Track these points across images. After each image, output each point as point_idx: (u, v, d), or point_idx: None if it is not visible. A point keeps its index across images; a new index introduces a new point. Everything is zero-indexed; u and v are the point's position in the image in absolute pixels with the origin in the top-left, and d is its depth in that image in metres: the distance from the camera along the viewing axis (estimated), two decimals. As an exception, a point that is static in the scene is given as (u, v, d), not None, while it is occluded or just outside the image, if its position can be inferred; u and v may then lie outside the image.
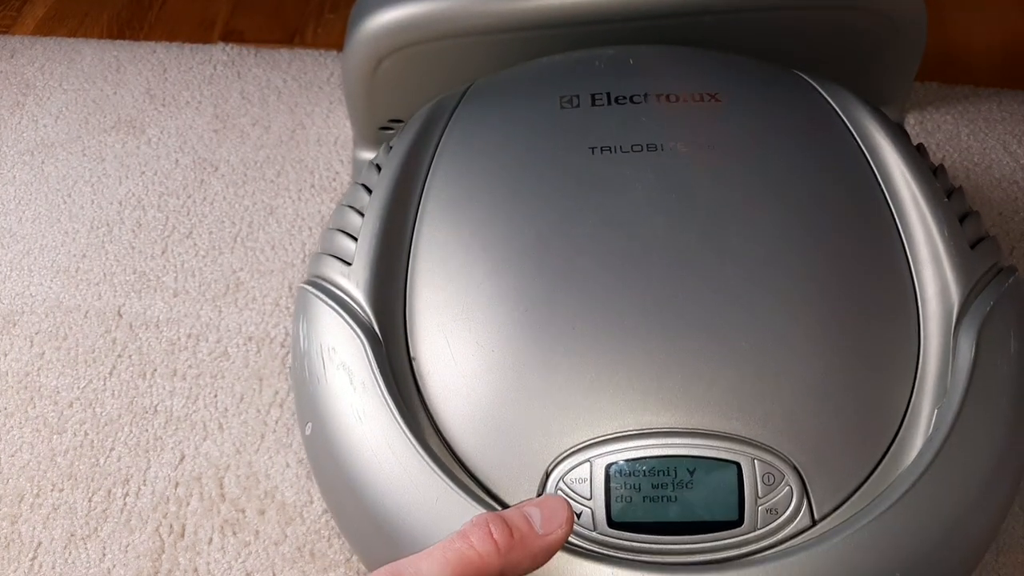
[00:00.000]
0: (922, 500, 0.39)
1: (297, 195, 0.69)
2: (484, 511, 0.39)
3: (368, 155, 0.69)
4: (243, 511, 0.55)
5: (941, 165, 0.53)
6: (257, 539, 0.54)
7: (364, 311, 0.45)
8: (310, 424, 0.45)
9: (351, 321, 0.44)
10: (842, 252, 0.46)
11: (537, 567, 0.35)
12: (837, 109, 0.54)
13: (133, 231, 0.68)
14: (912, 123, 0.73)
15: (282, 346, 0.62)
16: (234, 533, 0.54)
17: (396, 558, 0.39)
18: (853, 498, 0.40)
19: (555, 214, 0.48)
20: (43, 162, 0.72)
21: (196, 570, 0.53)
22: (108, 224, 0.68)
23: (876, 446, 0.41)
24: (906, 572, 0.38)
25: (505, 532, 0.34)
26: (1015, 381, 0.43)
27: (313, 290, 0.47)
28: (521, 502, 0.38)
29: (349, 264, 0.46)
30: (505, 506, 0.41)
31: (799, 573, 0.38)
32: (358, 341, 0.44)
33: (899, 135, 0.52)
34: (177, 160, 0.72)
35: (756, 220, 0.47)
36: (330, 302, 0.45)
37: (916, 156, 0.51)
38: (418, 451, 0.41)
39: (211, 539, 0.54)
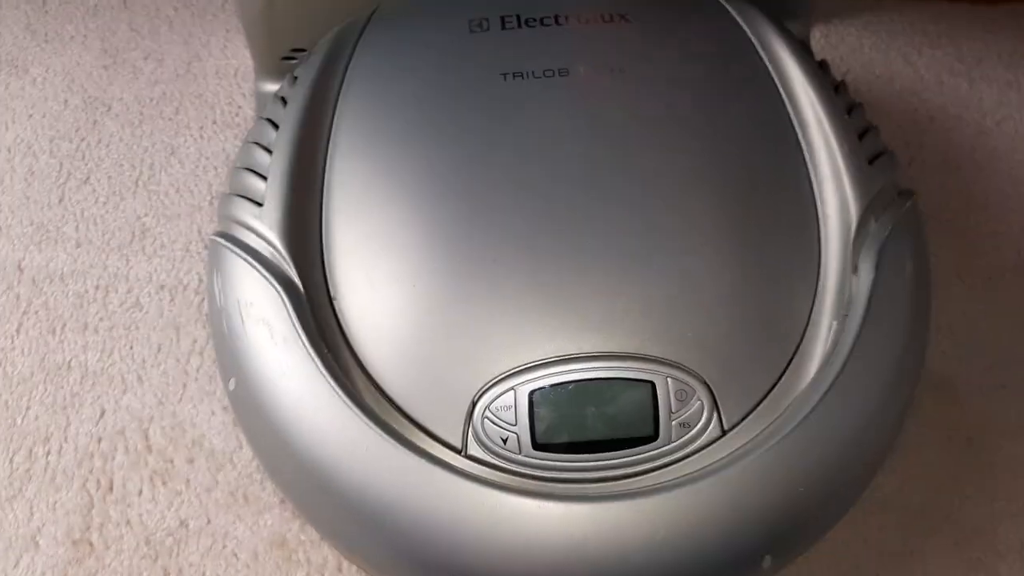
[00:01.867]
0: (824, 420, 0.43)
1: (199, 133, 0.69)
2: (412, 455, 0.42)
3: (271, 87, 0.68)
4: (171, 461, 0.57)
5: (843, 81, 0.56)
6: (188, 487, 0.56)
7: (279, 255, 0.46)
8: (233, 379, 0.46)
9: (267, 273, 0.45)
10: (747, 171, 0.50)
11: None
12: (745, 28, 0.56)
13: (26, 180, 0.66)
14: (817, 36, 0.76)
15: (196, 293, 0.62)
16: (164, 483, 0.56)
17: (331, 509, 0.42)
18: (759, 409, 0.44)
19: (469, 143, 0.50)
20: (-84, 109, 0.69)
21: (129, 522, 0.55)
22: (-3, 173, 0.66)
23: (780, 358, 0.45)
24: (810, 485, 0.43)
25: None
26: (911, 301, 0.47)
27: (225, 242, 0.48)
28: None
29: (260, 205, 0.47)
30: (434, 437, 0.44)
31: (716, 497, 0.41)
32: (275, 293, 0.45)
33: (803, 53, 0.55)
34: (66, 101, 0.70)
35: (664, 142, 0.50)
36: (243, 254, 0.46)
37: (819, 73, 0.54)
38: (345, 403, 0.43)
39: (141, 491, 0.56)
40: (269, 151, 0.49)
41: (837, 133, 0.49)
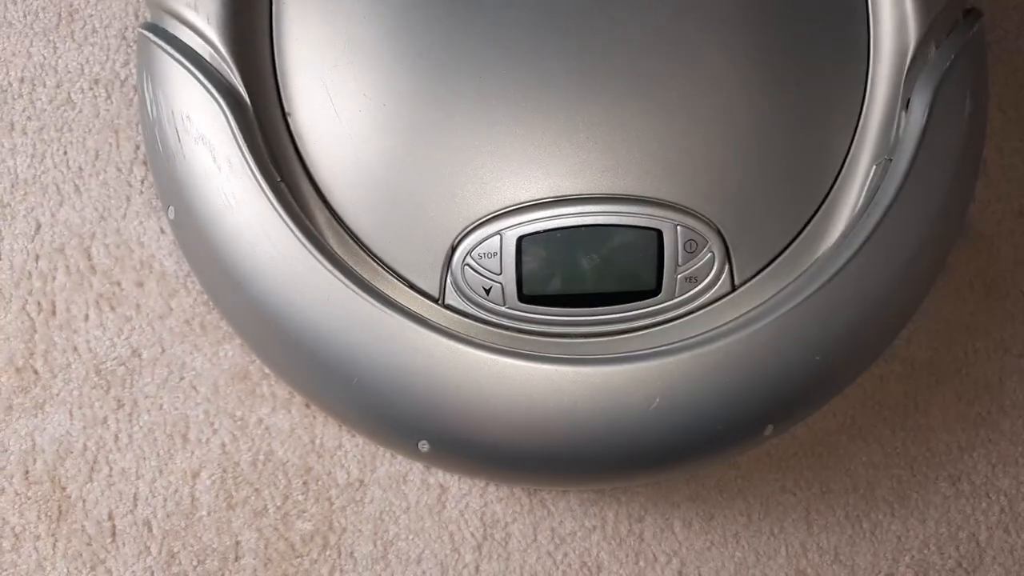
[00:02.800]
0: (848, 286, 0.38)
1: None
2: (381, 307, 0.37)
3: None
4: (118, 283, 0.52)
5: None
6: (139, 313, 0.52)
7: (220, 57, 0.39)
8: (172, 207, 0.41)
9: (205, 80, 0.38)
10: None
11: None
12: None
13: (-78, -57, 0.56)
14: None
15: (136, 90, 0.54)
16: (112, 308, 0.52)
17: (292, 360, 0.37)
18: (776, 263, 0.40)
19: None
20: None
21: (76, 349, 0.51)
22: None
23: (805, 207, 0.40)
24: (823, 355, 0.39)
25: None
26: (965, 151, 0.41)
27: (155, 37, 0.40)
28: None
29: None
30: (409, 285, 0.39)
31: (721, 363, 0.38)
32: (216, 106, 0.38)
33: None
34: None
35: None
36: (177, 55, 0.39)
37: None
38: (301, 242, 0.38)
39: (87, 315, 0.52)
40: None
41: None
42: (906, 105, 0.40)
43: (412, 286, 0.39)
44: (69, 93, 0.55)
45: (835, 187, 0.40)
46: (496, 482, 0.43)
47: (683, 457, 0.39)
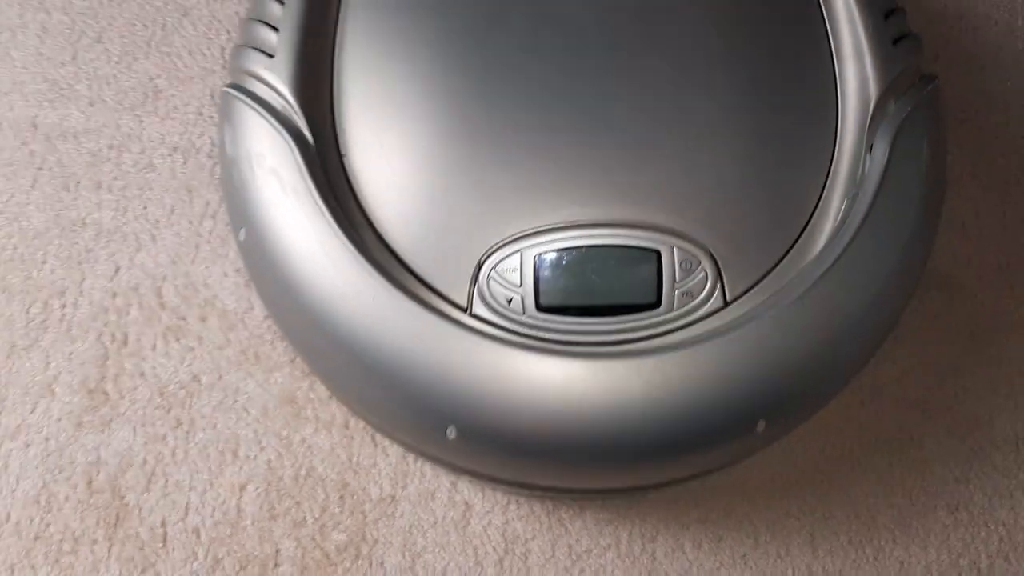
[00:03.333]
0: (827, 293, 0.44)
1: (214, -5, 0.68)
2: (420, 307, 0.43)
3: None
4: (184, 318, 0.59)
5: None
6: (201, 344, 0.58)
7: (290, 107, 0.47)
8: (243, 229, 0.48)
9: (277, 124, 0.47)
10: (766, 47, 0.50)
11: None
12: None
13: (39, 36, 0.66)
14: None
15: (209, 156, 0.63)
16: (177, 339, 0.58)
17: (338, 359, 0.43)
18: (763, 282, 0.46)
19: (486, 5, 0.50)
20: (-73, -41, 0.69)
21: (143, 374, 0.58)
22: (11, 29, 0.66)
23: (787, 234, 0.47)
24: (807, 356, 0.44)
25: None
26: (924, 183, 0.48)
27: (236, 93, 0.49)
28: None
29: (271, 56, 0.48)
30: (440, 296, 0.46)
31: (709, 360, 0.43)
32: (286, 144, 0.46)
33: None
34: (78, -44, 0.69)
35: (683, 15, 0.50)
36: (255, 105, 0.47)
37: None
38: (352, 251, 0.45)
39: (155, 345, 0.58)
40: (282, 2, 0.50)
41: (862, 10, 0.49)
42: (870, 149, 0.47)
43: (444, 297, 0.46)
44: (151, 158, 0.63)
45: (813, 217, 0.47)
46: (513, 473, 0.47)
47: (682, 446, 0.43)
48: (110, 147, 0.64)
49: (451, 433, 0.43)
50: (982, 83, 0.67)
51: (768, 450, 0.56)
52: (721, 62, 0.49)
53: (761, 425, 0.44)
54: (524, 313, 0.45)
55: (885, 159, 0.46)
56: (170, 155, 0.63)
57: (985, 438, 0.56)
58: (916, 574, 0.54)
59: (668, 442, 0.43)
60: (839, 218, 0.46)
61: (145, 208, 0.62)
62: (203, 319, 0.59)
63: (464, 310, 0.46)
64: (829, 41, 0.49)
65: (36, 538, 0.55)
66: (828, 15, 0.50)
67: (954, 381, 0.58)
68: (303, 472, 0.56)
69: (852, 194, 0.46)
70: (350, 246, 0.44)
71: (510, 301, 0.45)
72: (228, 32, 0.67)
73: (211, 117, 0.65)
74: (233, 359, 0.58)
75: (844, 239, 0.44)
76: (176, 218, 0.62)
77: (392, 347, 0.44)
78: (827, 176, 0.47)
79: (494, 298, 0.45)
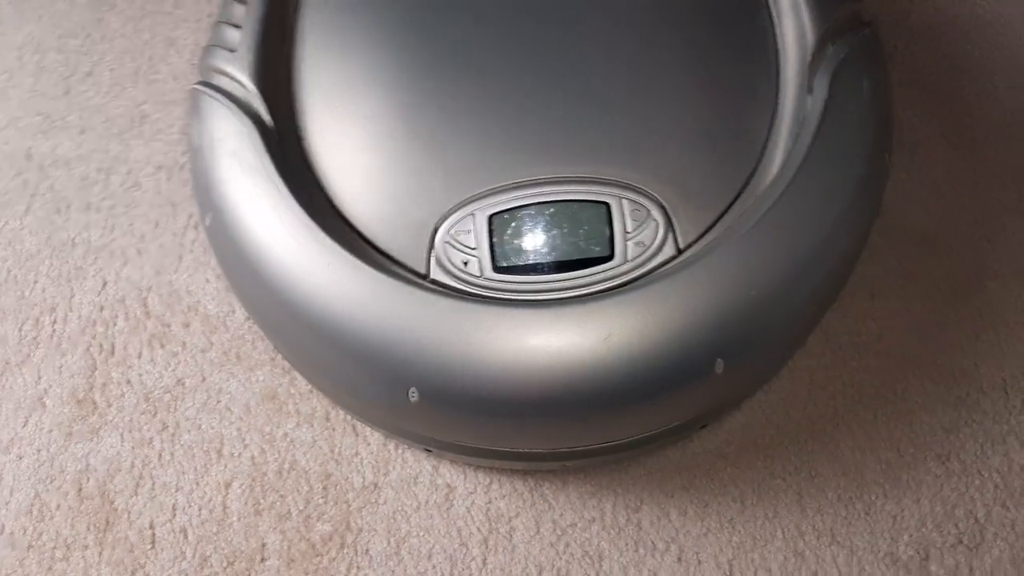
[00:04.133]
0: (775, 226, 0.45)
1: (196, 25, 0.71)
2: (378, 273, 0.44)
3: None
4: (168, 326, 0.60)
5: None
6: (184, 349, 0.59)
7: (250, 94, 0.49)
8: (209, 215, 0.49)
9: (237, 110, 0.48)
10: (704, 4, 0.51)
11: None
12: None
13: (34, 75, 0.70)
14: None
15: (191, 172, 0.65)
16: (162, 346, 0.60)
17: (301, 331, 0.43)
18: (714, 228, 0.46)
19: None
20: (-71, 15, 0.73)
21: (129, 382, 0.59)
22: (8, 71, 0.70)
23: (736, 179, 0.47)
24: (760, 289, 0.44)
25: None
26: (866, 121, 0.48)
27: (202, 88, 0.51)
28: None
29: (234, 52, 0.50)
30: (399, 264, 0.46)
31: (662, 299, 0.43)
32: (244, 128, 0.48)
33: None
34: (73, 0, 0.73)
35: None
36: (217, 96, 0.49)
37: None
38: (308, 223, 0.46)
39: (140, 353, 0.59)
40: (244, 2, 0.52)
41: None
42: (810, 90, 0.48)
43: (403, 265, 0.46)
44: (137, 178, 0.66)
45: (760, 161, 0.47)
46: (479, 435, 0.47)
47: (646, 389, 0.43)
48: (99, 171, 0.66)
49: (413, 395, 0.43)
50: (945, 48, 0.68)
51: (749, 412, 0.55)
52: (661, 19, 0.50)
53: (719, 365, 0.43)
54: (481, 275, 0.46)
55: (824, 97, 0.46)
56: (155, 173, 0.66)
57: (972, 385, 0.55)
58: (911, 527, 0.52)
59: (631, 386, 0.43)
60: (784, 161, 0.46)
61: (131, 224, 0.64)
62: (186, 324, 0.60)
63: (423, 276, 0.46)
64: None
65: (29, 547, 0.55)
66: None
67: (937, 335, 0.57)
68: (286, 466, 0.56)
69: (795, 135, 0.47)
70: (307, 219, 0.45)
71: (466, 263, 0.46)
72: (208, 59, 0.71)
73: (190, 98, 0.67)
74: (216, 361, 0.59)
75: (787, 176, 0.45)
76: (160, 231, 0.64)
77: (351, 315, 0.44)
78: (771, 121, 0.48)
79: (451, 262, 0.46)
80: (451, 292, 0.45)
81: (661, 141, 0.47)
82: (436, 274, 0.46)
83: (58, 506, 0.56)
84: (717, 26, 0.50)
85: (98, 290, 0.62)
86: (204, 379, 0.59)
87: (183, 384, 0.58)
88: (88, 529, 0.55)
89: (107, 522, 0.55)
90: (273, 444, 0.56)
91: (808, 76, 0.48)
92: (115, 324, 0.61)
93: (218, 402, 0.58)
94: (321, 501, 0.55)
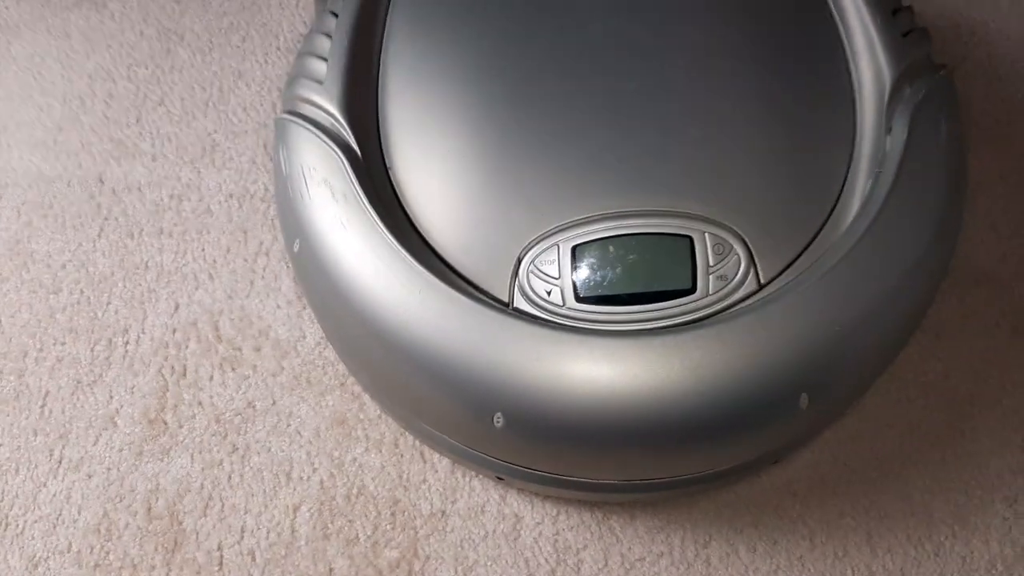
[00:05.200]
0: (859, 263, 0.45)
1: (264, 58, 0.73)
2: (465, 300, 0.45)
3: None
4: (239, 349, 0.61)
5: None
6: (255, 372, 0.60)
7: (339, 124, 0.51)
8: (298, 240, 0.50)
9: (328, 140, 0.50)
10: (783, 45, 0.53)
11: None
12: None
13: (106, 102, 0.72)
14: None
15: (263, 200, 0.67)
16: (233, 369, 0.60)
17: (387, 358, 0.43)
18: (796, 263, 0.47)
19: (515, 24, 0.54)
20: (9, 43, 0.75)
21: (200, 403, 0.59)
22: (80, 97, 0.72)
23: (816, 215, 0.48)
24: (844, 326, 0.44)
25: None
26: (944, 160, 0.49)
27: (290, 117, 0.52)
28: None
29: (321, 83, 0.51)
30: (483, 292, 0.47)
31: (748, 333, 0.44)
32: (336, 157, 0.49)
33: None
34: (142, 32, 0.75)
35: (700, 19, 0.53)
36: (307, 125, 0.51)
37: None
38: (399, 250, 0.47)
39: (212, 376, 0.60)
40: (329, 36, 0.54)
41: (871, 8, 0.52)
42: (889, 131, 0.49)
43: (487, 293, 0.47)
44: (209, 204, 0.67)
45: (840, 198, 0.48)
46: (559, 462, 0.47)
47: (730, 423, 0.43)
48: (171, 197, 0.68)
49: (499, 420, 0.44)
50: (1002, 91, 0.69)
51: (818, 449, 0.55)
52: (740, 60, 0.51)
53: (804, 400, 0.43)
54: (564, 304, 0.46)
55: (904, 137, 0.47)
56: (226, 201, 0.67)
57: (1039, 430, 0.55)
58: (980, 569, 0.52)
59: (715, 420, 0.43)
60: (865, 197, 0.47)
61: (203, 250, 0.65)
62: (257, 349, 0.61)
63: (506, 304, 0.47)
64: (842, 38, 0.52)
65: (96, 566, 0.55)
66: (839, 16, 0.53)
67: (1001, 375, 0.57)
68: (355, 491, 0.56)
69: (875, 173, 0.47)
70: (398, 247, 0.46)
71: (549, 293, 0.47)
72: (279, 90, 0.72)
73: (264, 165, 0.68)
74: (286, 385, 0.60)
75: (871, 213, 0.45)
76: (232, 257, 0.65)
77: (438, 341, 0.45)
78: (850, 159, 0.49)
79: (534, 291, 0.47)
80: (535, 321, 0.46)
81: (742, 176, 0.48)
82: (519, 303, 0.47)
83: (126, 525, 0.56)
84: (796, 64, 0.52)
85: (170, 313, 0.63)
86: (274, 402, 0.59)
87: (254, 407, 0.59)
88: (156, 549, 0.55)
89: (175, 543, 0.56)
90: (342, 469, 0.57)
91: (886, 116, 0.49)
92: (187, 346, 0.61)
93: (288, 425, 0.58)
94: (389, 527, 0.55)
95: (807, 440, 0.52)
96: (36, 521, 0.56)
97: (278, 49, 0.74)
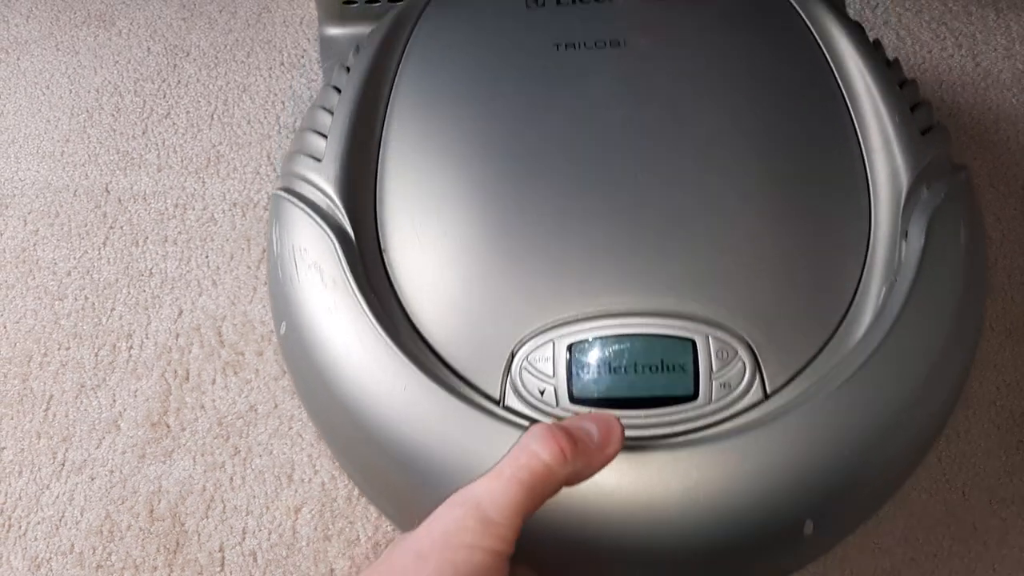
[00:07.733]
0: (872, 381, 0.42)
1: (268, 73, 0.74)
2: (451, 397, 0.43)
3: (334, 31, 0.74)
4: (242, 354, 0.61)
5: (896, 59, 0.56)
6: (258, 376, 0.60)
7: (334, 206, 0.49)
8: (284, 323, 0.49)
9: (321, 221, 0.48)
10: (796, 141, 0.50)
11: (589, 478, 0.36)
12: (796, 6, 0.56)
13: (113, 115, 0.73)
14: (867, 17, 0.78)
15: (266, 209, 0.67)
16: (235, 373, 0.60)
17: (370, 451, 0.42)
18: (804, 373, 0.43)
19: (520, 110, 0.52)
20: (18, 59, 0.77)
21: (203, 407, 0.59)
22: (88, 111, 0.73)
23: (826, 323, 0.44)
24: (854, 449, 0.41)
25: (569, 441, 0.34)
26: (963, 267, 0.46)
27: (285, 195, 0.51)
28: (572, 417, 0.38)
29: (319, 160, 0.50)
30: (473, 387, 0.45)
31: (759, 450, 0.41)
32: (328, 240, 0.47)
33: (855, 29, 0.55)
34: (149, 48, 0.77)
35: (712, 112, 0.51)
36: (301, 204, 0.49)
37: (871, 49, 0.53)
38: (385, 340, 0.44)
39: (215, 380, 0.60)
40: (332, 113, 0.53)
41: (888, 105, 0.50)
42: (905, 236, 0.46)
43: (477, 389, 0.44)
44: (213, 213, 0.68)
45: (852, 306, 0.45)
46: (543, 568, 0.41)
47: (726, 547, 0.40)
48: (175, 206, 0.68)
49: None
50: (989, 101, 0.69)
51: (822, 562, 0.51)
52: (750, 156, 0.49)
53: (809, 526, 0.41)
54: (557, 405, 0.44)
55: (921, 245, 0.44)
56: (230, 210, 0.68)
57: (1033, 431, 0.55)
58: (978, 571, 0.52)
59: (713, 541, 0.40)
60: (878, 306, 0.44)
61: (207, 257, 0.66)
62: (260, 353, 0.61)
63: (497, 402, 0.44)
64: (857, 134, 0.50)
65: (98, 567, 0.55)
66: (854, 110, 0.50)
67: (995, 376, 0.57)
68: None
69: (890, 282, 0.45)
70: (384, 336, 0.44)
71: (543, 392, 0.44)
72: (283, 103, 0.73)
73: (268, 175, 0.69)
74: (289, 389, 0.60)
75: (884, 326, 0.42)
76: (235, 264, 0.65)
77: (422, 440, 0.43)
78: (864, 264, 0.46)
79: (527, 389, 0.44)
80: (526, 421, 0.43)
81: (748, 279, 0.45)
82: (511, 400, 0.44)
83: (129, 527, 0.56)
84: (810, 161, 0.49)
85: (174, 318, 0.63)
86: (276, 406, 0.59)
87: (255, 410, 0.59)
88: (158, 550, 0.55)
89: (177, 544, 0.55)
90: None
91: (902, 220, 0.46)
92: (190, 351, 0.62)
93: (290, 428, 0.58)
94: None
95: (813, 559, 0.50)
96: (39, 522, 0.56)
97: (282, 64, 0.76)
